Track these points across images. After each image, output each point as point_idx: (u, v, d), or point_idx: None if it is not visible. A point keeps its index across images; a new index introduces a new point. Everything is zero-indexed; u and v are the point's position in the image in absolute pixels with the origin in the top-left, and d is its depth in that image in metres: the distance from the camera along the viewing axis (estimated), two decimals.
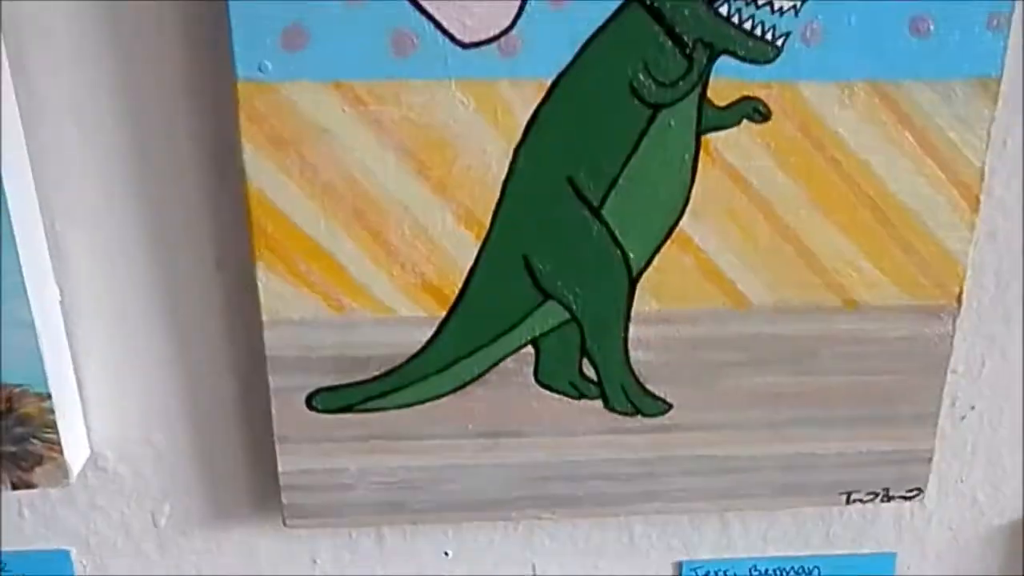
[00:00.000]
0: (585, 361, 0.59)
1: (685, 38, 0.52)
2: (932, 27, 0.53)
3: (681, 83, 0.53)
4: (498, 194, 0.55)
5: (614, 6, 0.51)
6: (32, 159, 0.55)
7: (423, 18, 0.51)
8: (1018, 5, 0.54)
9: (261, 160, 0.53)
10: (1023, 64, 0.57)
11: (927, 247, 0.58)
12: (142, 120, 0.54)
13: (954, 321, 0.60)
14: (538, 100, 0.53)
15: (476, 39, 0.51)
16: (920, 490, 0.65)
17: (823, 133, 0.55)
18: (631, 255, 0.57)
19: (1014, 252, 0.63)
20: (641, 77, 0.53)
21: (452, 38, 0.51)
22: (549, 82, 0.52)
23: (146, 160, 0.55)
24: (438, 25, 0.51)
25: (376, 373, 0.58)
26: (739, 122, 0.54)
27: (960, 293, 0.59)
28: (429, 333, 0.57)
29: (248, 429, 0.62)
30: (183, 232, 0.57)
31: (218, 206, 0.56)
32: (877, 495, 0.65)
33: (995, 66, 0.54)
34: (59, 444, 0.59)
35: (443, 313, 0.57)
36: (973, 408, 0.67)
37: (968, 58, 0.54)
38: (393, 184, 0.54)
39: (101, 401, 0.61)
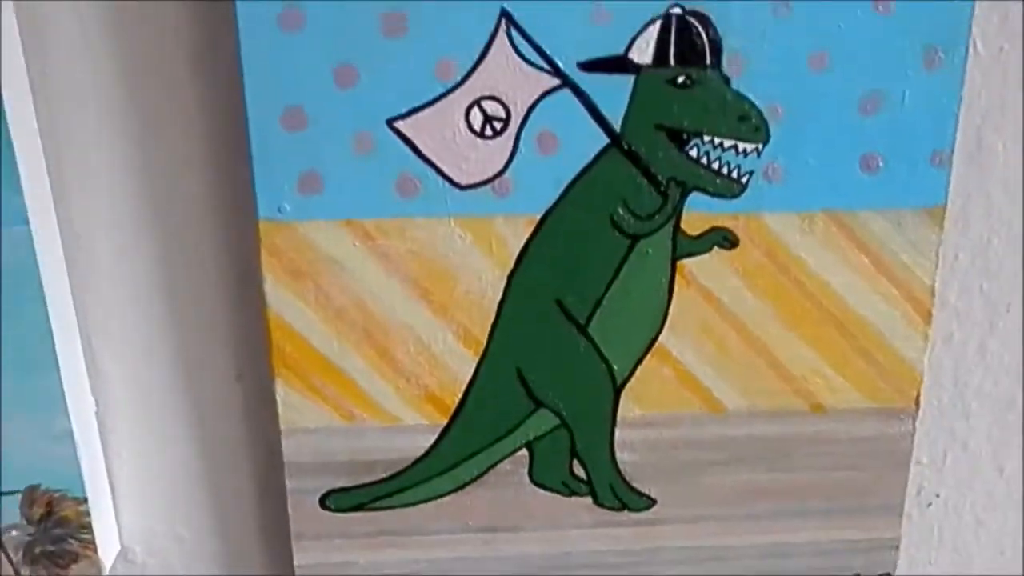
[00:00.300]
0: (575, 462, 0.65)
1: (659, 177, 0.58)
2: (881, 164, 0.59)
3: (657, 216, 0.59)
4: (494, 315, 0.60)
5: (595, 151, 0.57)
6: (72, 284, 0.61)
7: (425, 164, 0.57)
8: (959, 139, 0.60)
9: (280, 289, 0.59)
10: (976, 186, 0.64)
11: (886, 356, 0.63)
12: (174, 252, 0.61)
13: (914, 421, 0.65)
14: (528, 233, 0.59)
15: (472, 181, 0.58)
16: (889, 575, 0.70)
17: (787, 257, 0.60)
18: (615, 367, 0.62)
19: (969, 354, 0.68)
20: (621, 212, 0.59)
21: (451, 181, 0.57)
22: (538, 217, 0.58)
23: (176, 286, 0.61)
24: (438, 170, 0.57)
25: (384, 475, 0.64)
26: (710, 249, 0.60)
27: (918, 396, 0.64)
28: (432, 439, 0.63)
29: (267, 526, 0.68)
30: (208, 348, 0.63)
31: (240, 326, 0.62)
32: None
33: (940, 197, 0.60)
34: (93, 543, 0.64)
35: (444, 421, 0.63)
36: (938, 496, 0.72)
37: (915, 190, 0.60)
38: (399, 308, 0.60)
39: (131, 500, 0.66)
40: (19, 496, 0.62)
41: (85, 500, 0.63)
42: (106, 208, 0.59)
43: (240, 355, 0.63)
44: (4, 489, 0.62)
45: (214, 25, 0.56)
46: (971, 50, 0.60)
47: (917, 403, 0.65)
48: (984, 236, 0.65)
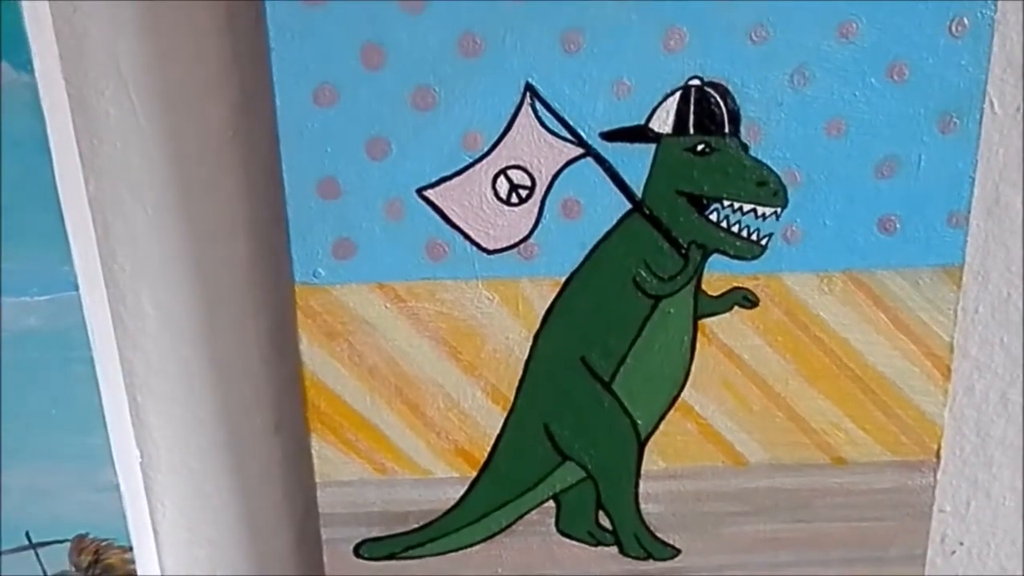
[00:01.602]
0: (601, 512, 0.66)
1: (680, 240, 0.60)
2: (898, 225, 0.60)
3: (678, 278, 0.61)
4: (520, 373, 0.62)
5: (618, 216, 0.59)
6: (119, 344, 0.64)
7: (453, 230, 0.59)
8: (977, 194, 0.62)
9: (315, 349, 0.61)
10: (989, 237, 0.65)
11: (906, 411, 0.64)
12: (214, 314, 0.63)
13: (935, 474, 0.66)
14: (554, 294, 0.61)
15: (499, 246, 0.60)
16: None
17: (806, 316, 0.62)
18: (639, 422, 0.64)
19: (991, 405, 0.69)
20: (643, 273, 0.61)
21: (479, 246, 0.60)
22: (563, 279, 0.60)
23: (216, 346, 0.64)
24: (466, 236, 0.59)
25: (416, 526, 0.66)
26: (731, 308, 0.62)
27: (938, 450, 0.65)
28: (462, 491, 0.65)
29: (303, 574, 0.70)
30: (247, 404, 0.66)
31: (277, 384, 0.65)
32: None
33: (957, 256, 0.61)
34: None
35: (474, 474, 0.65)
36: (962, 544, 0.73)
37: (932, 250, 0.61)
38: (429, 366, 0.62)
39: (174, 547, 0.69)
40: (68, 545, 0.65)
41: (130, 548, 0.66)
42: (151, 272, 0.62)
43: (277, 411, 0.66)
44: (55, 538, 0.65)
45: (253, 101, 0.58)
46: (988, 110, 0.61)
47: (938, 456, 0.66)
48: (1004, 291, 0.66)
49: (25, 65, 0.55)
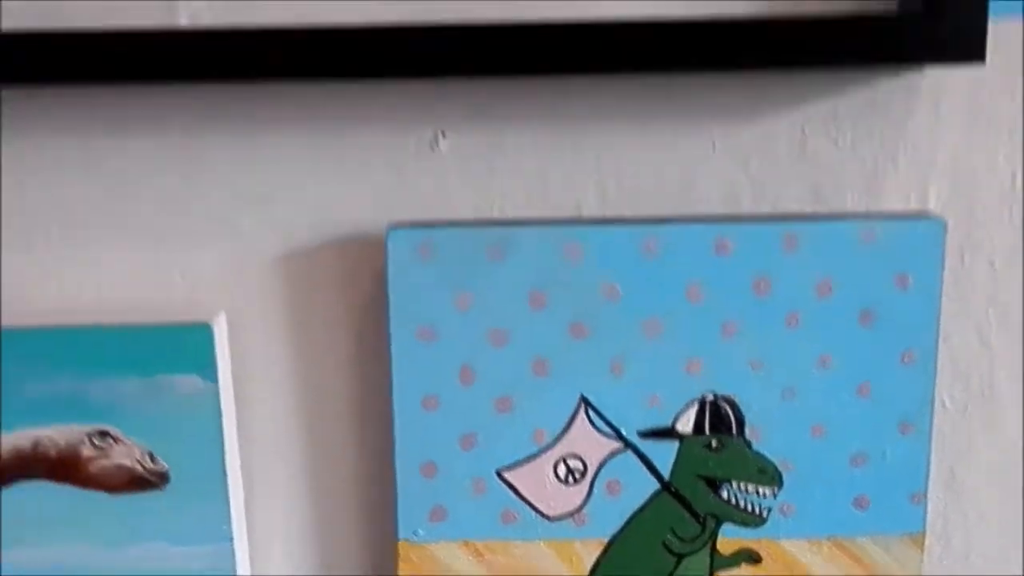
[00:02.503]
0: None
1: (699, 512, 0.77)
2: (871, 503, 0.77)
3: (697, 540, 0.77)
4: None
5: (650, 493, 0.76)
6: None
7: (523, 502, 0.76)
8: (935, 474, 0.78)
9: None
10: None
11: None
12: (331, 565, 0.80)
13: None
14: (599, 552, 0.77)
15: (557, 515, 0.77)
16: None
17: (800, 572, 0.78)
18: None
19: None
20: (669, 537, 0.77)
21: (542, 514, 0.77)
22: (607, 540, 0.77)
23: None
24: (533, 507, 0.77)
25: None
26: (740, 565, 0.78)
27: None
28: None
29: None
30: None
31: None
32: None
33: (919, 526, 0.77)
34: None
35: None
36: None
37: (899, 522, 0.77)
38: None
39: None
40: None
41: None
42: (281, 527, 0.80)
43: None
44: None
45: (372, 405, 0.77)
46: (941, 407, 0.79)
47: None
48: (965, 554, 0.82)
49: (212, 377, 0.74)
